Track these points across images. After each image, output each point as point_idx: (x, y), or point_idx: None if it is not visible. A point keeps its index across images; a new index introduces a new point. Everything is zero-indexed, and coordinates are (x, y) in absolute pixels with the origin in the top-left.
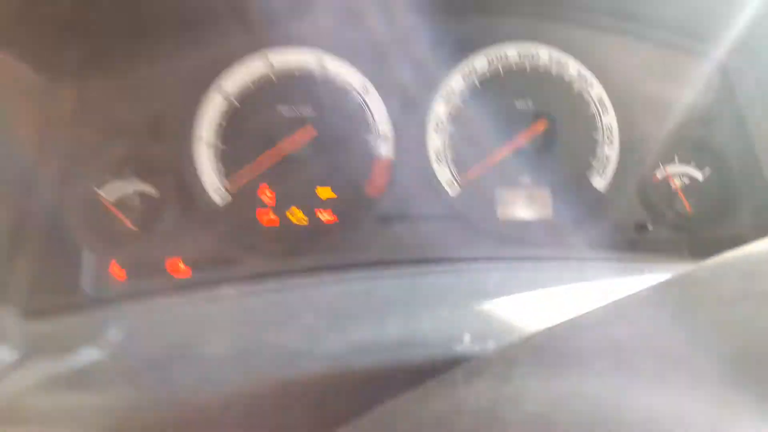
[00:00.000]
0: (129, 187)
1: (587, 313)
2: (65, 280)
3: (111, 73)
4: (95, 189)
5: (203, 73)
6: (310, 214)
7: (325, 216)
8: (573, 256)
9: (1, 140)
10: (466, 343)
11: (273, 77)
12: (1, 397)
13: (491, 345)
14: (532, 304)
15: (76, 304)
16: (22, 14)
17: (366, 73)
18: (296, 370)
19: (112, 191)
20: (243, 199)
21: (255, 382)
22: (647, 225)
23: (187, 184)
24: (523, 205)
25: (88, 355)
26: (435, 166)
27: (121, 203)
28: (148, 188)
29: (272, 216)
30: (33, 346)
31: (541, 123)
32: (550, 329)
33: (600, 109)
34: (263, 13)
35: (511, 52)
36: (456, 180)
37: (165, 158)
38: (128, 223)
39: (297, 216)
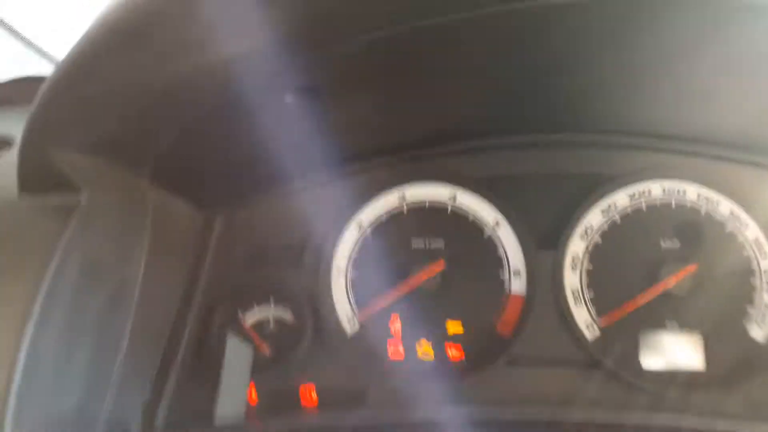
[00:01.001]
0: (268, 312)
1: None
2: (202, 406)
3: (257, 203)
4: (239, 313)
5: (344, 206)
6: (437, 348)
7: (453, 352)
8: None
9: (156, 272)
10: None
11: (405, 210)
12: None
13: None
14: None
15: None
16: (191, 157)
17: (498, 206)
18: None
19: (252, 316)
20: (372, 329)
21: None
22: None
23: (321, 313)
24: (671, 352)
25: None
26: (571, 306)
27: (259, 329)
28: (286, 314)
29: (400, 348)
30: None
31: (692, 266)
32: None
33: (757, 252)
34: (402, 149)
35: (655, 188)
36: (595, 322)
37: (304, 286)
38: (265, 349)
39: (424, 349)
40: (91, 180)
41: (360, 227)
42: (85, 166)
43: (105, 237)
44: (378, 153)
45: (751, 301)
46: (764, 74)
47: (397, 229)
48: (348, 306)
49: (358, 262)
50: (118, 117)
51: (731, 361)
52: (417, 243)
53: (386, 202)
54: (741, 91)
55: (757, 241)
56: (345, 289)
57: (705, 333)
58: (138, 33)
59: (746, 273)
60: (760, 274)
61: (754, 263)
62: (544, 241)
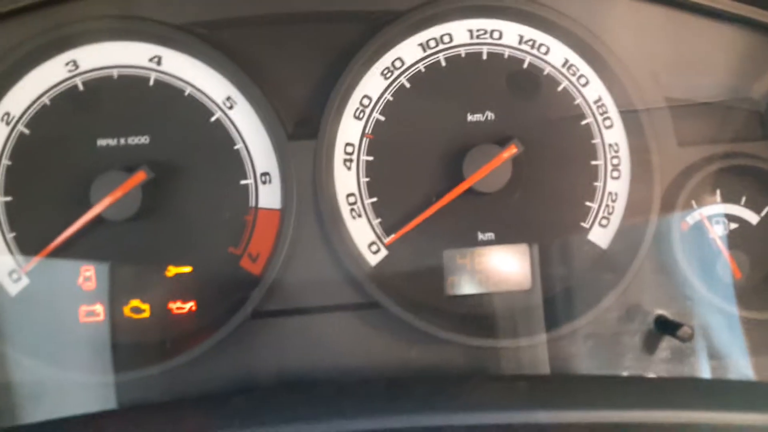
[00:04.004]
0: None
1: None
2: None
3: None
4: None
5: None
6: (155, 301)
7: (177, 305)
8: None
9: None
10: None
11: (80, 85)
12: None
13: None
14: None
15: None
16: None
17: (230, 74)
18: None
19: None
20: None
21: None
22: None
23: None
24: (491, 271)
25: None
26: (347, 219)
27: None
28: None
29: (97, 307)
30: None
31: (511, 148)
32: None
33: (599, 120)
34: None
35: (458, 31)
36: (380, 240)
37: None
38: None
39: (133, 305)
40: None
41: (7, 120)
42: None
43: None
44: None
45: (591, 193)
46: None
47: (67, 119)
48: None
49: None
50: None
51: (568, 277)
52: (104, 139)
53: (46, 75)
54: None
55: (599, 102)
56: None
57: (531, 242)
58: None
59: (585, 152)
60: (604, 151)
61: (596, 136)
62: (302, 126)
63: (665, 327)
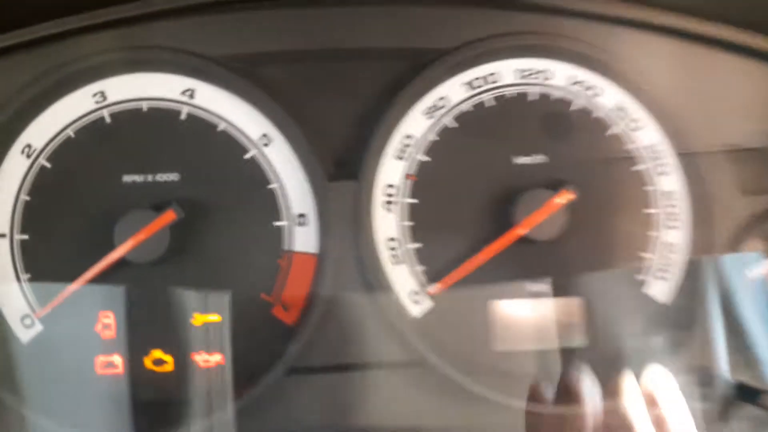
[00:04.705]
0: None
1: None
2: None
3: None
4: None
5: None
6: (179, 354)
7: (204, 357)
8: None
9: None
10: None
11: (107, 117)
12: None
13: None
14: None
15: None
16: None
17: (266, 110)
18: None
19: None
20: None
21: None
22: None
23: None
24: (542, 325)
25: None
26: (386, 266)
27: None
28: None
29: (115, 358)
30: None
31: (565, 192)
32: None
33: (652, 166)
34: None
35: (505, 71)
36: (424, 290)
37: None
38: None
39: (155, 357)
40: None
41: (28, 153)
42: None
43: None
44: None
45: (644, 244)
46: None
47: (92, 153)
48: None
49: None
50: None
51: (623, 332)
52: (130, 176)
53: (72, 106)
54: None
55: (653, 148)
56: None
57: (585, 294)
58: None
59: (638, 199)
60: (659, 198)
61: (650, 183)
62: (341, 166)
63: (745, 394)
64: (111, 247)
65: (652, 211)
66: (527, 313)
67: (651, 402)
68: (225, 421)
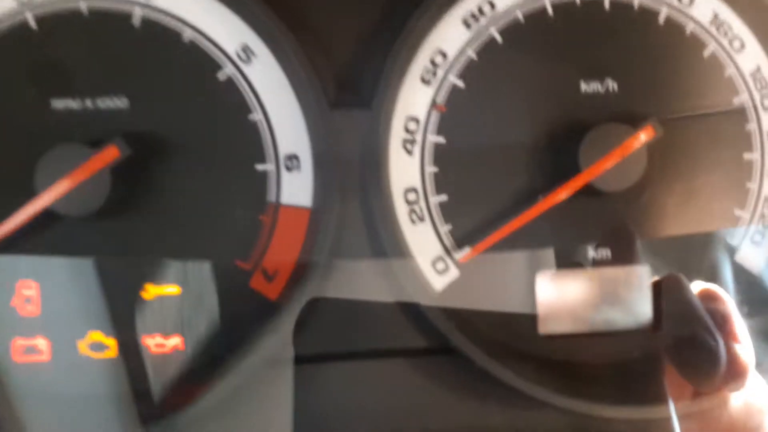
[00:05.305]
0: None
1: None
2: None
3: None
4: None
5: None
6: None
7: (156, 340)
8: None
9: None
10: None
11: (31, 21)
12: None
13: None
14: None
15: None
16: None
17: (248, 14)
18: None
19: None
20: None
21: None
22: None
23: None
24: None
25: None
26: (403, 225)
27: None
28: None
29: (40, 341)
30: None
31: (647, 129)
32: None
33: (758, 98)
34: None
35: None
36: (450, 257)
37: None
38: None
39: (93, 339)
40: None
41: None
42: None
43: None
44: None
45: (742, 199)
46: None
47: (11, 70)
48: None
49: None
50: None
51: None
52: (62, 100)
53: None
54: None
55: (758, 75)
56: None
57: (656, 262)
58: None
59: (737, 140)
60: (762, 140)
61: (752, 120)
62: (348, 90)
63: None
64: (32, 194)
65: (753, 156)
66: (583, 288)
67: None
68: (183, 423)
